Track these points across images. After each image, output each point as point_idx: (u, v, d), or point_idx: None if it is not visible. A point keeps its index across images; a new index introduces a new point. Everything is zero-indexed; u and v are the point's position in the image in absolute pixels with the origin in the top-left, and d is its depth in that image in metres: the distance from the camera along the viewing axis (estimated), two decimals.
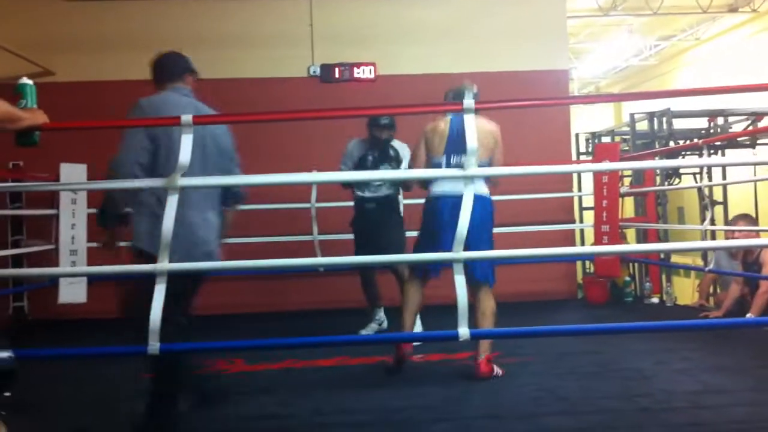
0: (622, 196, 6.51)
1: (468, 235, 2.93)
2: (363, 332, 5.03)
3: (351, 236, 5.12)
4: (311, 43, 6.80)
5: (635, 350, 4.29)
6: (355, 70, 6.77)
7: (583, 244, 7.33)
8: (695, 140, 6.50)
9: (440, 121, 3.96)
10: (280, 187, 5.78)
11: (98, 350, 2.87)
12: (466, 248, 3.01)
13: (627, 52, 12.89)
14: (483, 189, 3.79)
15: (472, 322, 3.15)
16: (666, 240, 6.73)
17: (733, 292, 5.61)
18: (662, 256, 6.60)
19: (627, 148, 7.37)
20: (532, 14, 6.92)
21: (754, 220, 5.75)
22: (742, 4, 10.28)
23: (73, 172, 5.52)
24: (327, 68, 6.76)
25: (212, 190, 2.97)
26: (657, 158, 6.36)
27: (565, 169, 6.89)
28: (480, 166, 3.38)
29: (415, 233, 4.10)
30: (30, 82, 2.74)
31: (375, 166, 4.85)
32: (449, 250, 3.75)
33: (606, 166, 5.67)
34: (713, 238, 5.71)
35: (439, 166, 3.89)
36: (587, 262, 7.50)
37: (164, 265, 2.73)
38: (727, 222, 6.54)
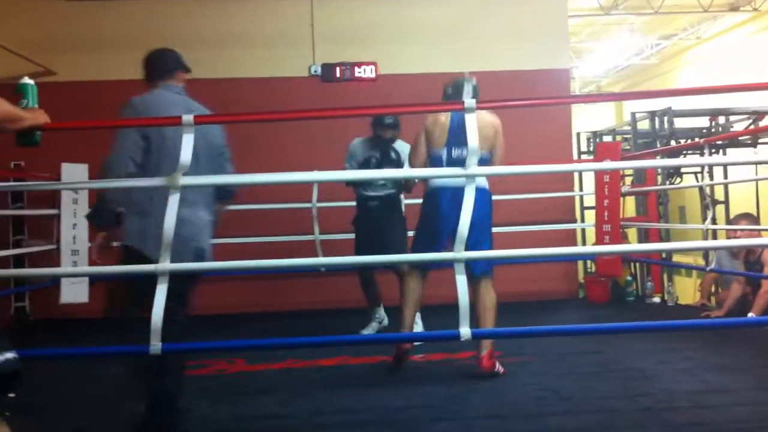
0: (624, 195, 6.51)
1: (468, 230, 2.92)
2: (364, 332, 5.03)
3: (352, 236, 5.12)
4: (312, 43, 6.79)
5: (637, 350, 4.29)
6: (356, 69, 6.76)
7: (584, 243, 7.33)
8: (696, 139, 6.50)
9: (440, 114, 3.97)
10: (282, 187, 5.79)
11: (99, 350, 2.87)
12: (466, 244, 2.99)
13: (628, 51, 12.89)
14: (482, 181, 3.79)
15: (474, 322, 3.15)
16: (667, 239, 6.73)
17: (734, 292, 5.61)
18: (664, 255, 6.60)
19: (628, 147, 7.37)
20: (533, 13, 6.91)
21: (756, 220, 5.75)
22: (743, 3, 10.27)
23: (75, 172, 5.53)
24: (328, 68, 6.76)
25: (204, 188, 2.94)
26: (658, 157, 6.35)
27: (566, 168, 6.88)
28: (481, 158, 3.37)
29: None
30: (31, 82, 2.74)
31: (377, 169, 4.85)
32: (447, 242, 3.82)
33: (607, 165, 5.67)
34: (715, 237, 5.70)
35: (439, 158, 3.90)
36: (588, 262, 7.49)
37: (165, 265, 2.73)
38: (728, 221, 6.53)
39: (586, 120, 12.69)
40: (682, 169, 7.03)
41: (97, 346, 3.20)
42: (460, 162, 3.76)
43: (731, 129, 7.14)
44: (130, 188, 2.83)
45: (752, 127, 6.88)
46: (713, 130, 7.10)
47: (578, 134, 8.15)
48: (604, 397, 3.41)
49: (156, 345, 2.69)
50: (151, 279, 2.80)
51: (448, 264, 3.00)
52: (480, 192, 3.55)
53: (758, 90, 3.47)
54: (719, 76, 10.59)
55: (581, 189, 7.52)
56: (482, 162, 3.40)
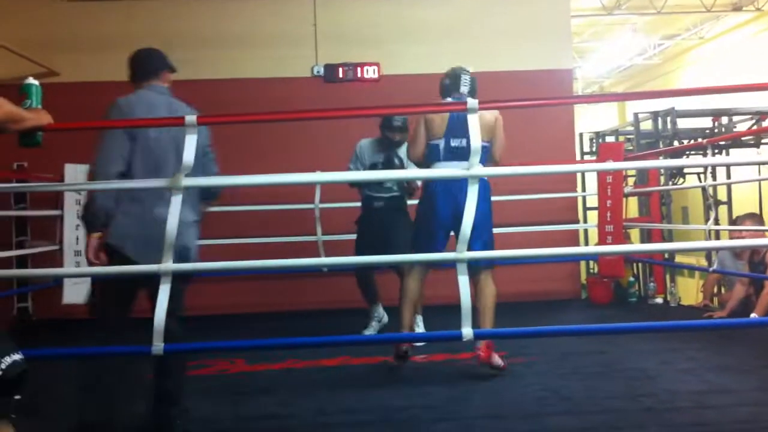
0: (626, 195, 6.49)
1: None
2: (366, 332, 5.03)
3: (355, 236, 5.12)
4: (315, 43, 6.80)
5: (639, 350, 4.28)
6: (359, 70, 6.77)
7: (586, 244, 7.32)
8: (699, 140, 6.49)
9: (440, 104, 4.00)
10: (284, 188, 5.78)
11: (101, 350, 2.87)
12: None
13: (631, 51, 12.87)
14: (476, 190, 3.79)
15: (476, 321, 3.15)
16: (670, 240, 6.71)
17: (737, 293, 5.59)
18: (666, 256, 6.58)
19: (631, 147, 7.35)
20: (536, 13, 6.91)
21: (762, 220, 5.72)
22: (746, 2, 10.25)
23: (77, 173, 5.54)
24: (331, 68, 6.76)
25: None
26: (661, 158, 6.34)
27: (569, 168, 6.87)
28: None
29: None
30: (36, 82, 2.74)
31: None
32: (445, 236, 3.82)
33: (610, 165, 5.66)
34: (717, 238, 5.69)
35: (437, 148, 3.91)
36: (591, 262, 7.49)
37: (168, 265, 2.73)
38: (731, 222, 6.52)
39: (589, 120, 12.68)
40: (685, 170, 7.02)
41: (99, 347, 3.19)
42: (459, 152, 3.78)
43: (734, 129, 7.12)
44: (117, 188, 2.84)
45: (755, 127, 6.86)
46: (716, 130, 7.08)
47: (581, 135, 8.14)
48: (607, 397, 3.40)
49: (158, 345, 2.69)
50: (129, 279, 2.82)
51: (448, 270, 2.99)
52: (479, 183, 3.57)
53: (761, 90, 3.46)
54: (722, 76, 10.58)
55: (584, 189, 7.51)
56: (483, 150, 3.39)
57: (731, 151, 7.09)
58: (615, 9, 10.19)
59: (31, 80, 2.74)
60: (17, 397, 1.73)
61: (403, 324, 4.01)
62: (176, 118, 2.81)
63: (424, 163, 4.04)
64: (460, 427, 3.03)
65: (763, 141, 7.01)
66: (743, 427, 2.95)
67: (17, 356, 1.73)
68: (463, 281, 2.86)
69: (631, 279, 6.71)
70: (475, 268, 3.69)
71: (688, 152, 6.71)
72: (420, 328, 4.74)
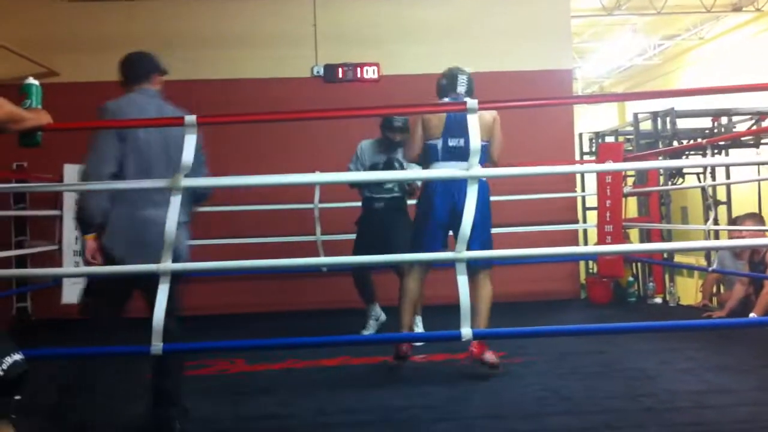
0: (626, 196, 6.50)
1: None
2: (365, 332, 5.03)
3: (354, 236, 5.12)
4: (315, 44, 6.80)
5: (639, 350, 4.28)
6: (359, 70, 6.77)
7: (586, 244, 7.32)
8: (699, 140, 6.49)
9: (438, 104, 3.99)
10: (283, 188, 5.78)
11: (100, 350, 2.88)
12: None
13: (631, 52, 12.88)
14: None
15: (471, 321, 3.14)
16: (669, 240, 6.72)
17: (737, 293, 5.60)
18: (665, 256, 6.59)
19: (630, 147, 7.35)
20: (536, 14, 6.91)
21: (762, 219, 5.72)
22: (746, 3, 10.26)
23: (77, 173, 5.52)
24: (330, 68, 6.76)
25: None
26: (660, 158, 6.35)
27: (568, 169, 6.89)
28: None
29: None
30: (36, 82, 2.74)
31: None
32: (444, 229, 3.83)
33: (609, 166, 5.66)
34: (717, 237, 5.69)
35: (435, 147, 3.91)
36: (590, 262, 7.49)
37: (166, 265, 2.73)
38: (730, 222, 6.52)
39: (589, 120, 12.69)
40: (685, 170, 7.02)
41: (98, 347, 3.20)
42: (457, 152, 3.79)
43: (734, 129, 7.13)
44: (113, 189, 2.85)
45: (755, 127, 6.86)
46: (716, 130, 7.09)
47: (580, 135, 8.14)
48: (606, 397, 3.40)
49: (157, 345, 2.69)
50: (123, 279, 2.83)
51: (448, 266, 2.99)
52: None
53: (761, 90, 3.47)
54: (722, 76, 10.58)
55: (583, 189, 7.51)
56: (481, 149, 3.39)
57: (731, 151, 7.10)
58: (615, 9, 10.20)
59: (31, 80, 2.74)
60: (17, 397, 1.73)
61: (402, 324, 4.01)
62: (176, 118, 2.82)
63: (422, 163, 4.04)
64: (460, 427, 3.03)
65: (762, 141, 7.02)
66: (742, 427, 2.96)
67: (18, 356, 1.73)
68: (462, 281, 2.86)
69: (631, 279, 6.71)
70: (473, 268, 3.68)
71: (687, 152, 6.72)
72: (419, 328, 4.74)
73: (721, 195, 7.14)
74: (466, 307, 2.83)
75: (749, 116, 6.99)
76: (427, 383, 3.71)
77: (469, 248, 2.94)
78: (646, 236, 6.87)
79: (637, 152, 6.80)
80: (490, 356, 3.77)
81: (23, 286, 6.17)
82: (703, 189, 6.41)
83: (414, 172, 4.35)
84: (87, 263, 2.88)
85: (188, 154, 2.72)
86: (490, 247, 3.85)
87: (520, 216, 6.38)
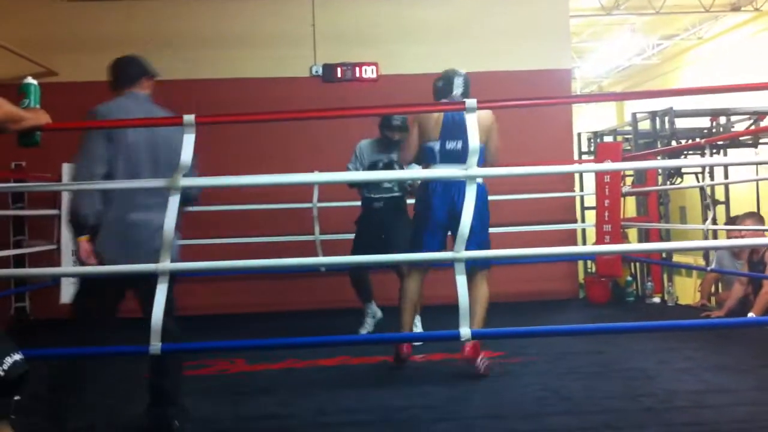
0: (624, 195, 6.50)
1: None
2: (362, 331, 5.04)
3: (353, 235, 5.12)
4: (313, 43, 6.80)
5: (637, 350, 4.29)
6: (358, 69, 6.76)
7: (584, 243, 7.33)
8: (697, 140, 6.50)
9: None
10: (282, 187, 5.78)
11: (99, 350, 2.88)
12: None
13: (629, 51, 12.89)
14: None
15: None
16: (668, 239, 6.72)
17: (736, 292, 5.60)
18: (664, 255, 6.60)
19: (629, 147, 7.37)
20: (535, 13, 6.91)
21: (762, 219, 5.73)
22: (745, 3, 10.27)
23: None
24: (329, 68, 6.76)
25: (159, 191, 2.90)
26: (659, 158, 6.35)
27: (567, 168, 6.88)
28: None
29: None
30: (34, 82, 2.74)
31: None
32: (443, 230, 3.82)
33: (608, 165, 5.67)
34: (715, 237, 5.70)
35: (432, 150, 3.90)
36: (589, 262, 7.49)
37: (165, 265, 2.74)
38: (728, 221, 6.53)
39: (587, 120, 12.70)
40: (683, 170, 7.03)
41: (97, 346, 3.19)
42: (454, 154, 3.78)
43: (732, 129, 7.14)
44: (108, 189, 2.86)
45: (753, 127, 6.88)
46: (714, 130, 7.10)
47: (579, 134, 8.15)
48: (606, 396, 3.40)
49: (156, 345, 2.69)
50: (116, 280, 2.86)
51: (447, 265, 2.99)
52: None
53: (759, 90, 3.47)
54: (720, 76, 10.59)
55: (582, 189, 7.51)
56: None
57: (729, 151, 7.11)
58: (614, 9, 10.21)
59: (30, 80, 2.74)
60: (17, 398, 1.72)
61: (403, 324, 4.01)
62: (175, 117, 2.81)
63: (419, 165, 4.03)
64: (459, 427, 3.04)
65: (760, 141, 7.03)
66: (741, 427, 2.96)
67: (17, 356, 1.73)
68: (461, 281, 2.86)
69: (629, 278, 6.71)
70: (470, 268, 3.68)
71: (686, 152, 6.72)
72: (418, 328, 4.74)
73: (720, 195, 7.15)
74: (465, 307, 2.84)
75: (747, 116, 7.00)
76: (426, 383, 3.71)
77: (466, 250, 2.94)
78: (645, 236, 6.87)
79: (635, 152, 6.81)
80: (482, 363, 3.74)
81: (22, 286, 6.17)
82: (702, 189, 6.41)
83: (413, 172, 4.35)
84: (82, 265, 2.89)
85: (187, 155, 2.72)
86: (488, 248, 3.85)
87: (518, 215, 6.38)
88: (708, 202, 6.12)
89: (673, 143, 6.80)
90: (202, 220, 5.99)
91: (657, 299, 6.48)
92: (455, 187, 3.72)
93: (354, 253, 4.95)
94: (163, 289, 2.72)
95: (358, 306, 5.24)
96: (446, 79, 4.01)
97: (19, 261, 5.99)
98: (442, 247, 3.86)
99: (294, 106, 6.11)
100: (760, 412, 3.12)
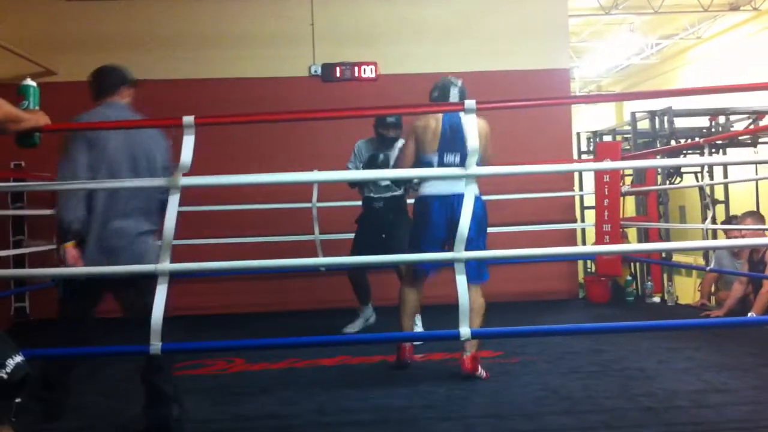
0: (624, 195, 6.51)
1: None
2: (348, 329, 5.06)
3: (353, 235, 5.12)
4: (312, 43, 6.79)
5: (637, 349, 4.29)
6: (356, 69, 6.76)
7: (584, 243, 7.33)
8: (697, 139, 6.51)
9: (431, 117, 3.87)
10: (282, 186, 5.78)
11: (99, 350, 2.88)
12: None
13: (628, 51, 12.90)
14: (476, 188, 3.76)
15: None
16: (667, 239, 6.73)
17: (735, 292, 5.61)
18: (663, 255, 6.60)
19: (628, 147, 7.37)
20: (534, 13, 6.91)
21: (762, 218, 5.74)
22: (743, 2, 10.28)
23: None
24: (328, 67, 6.76)
25: (138, 197, 2.95)
26: (658, 157, 6.36)
27: (566, 168, 6.89)
28: None
29: None
30: (33, 83, 2.75)
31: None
32: (440, 243, 3.78)
33: (607, 165, 5.67)
34: (715, 237, 5.71)
35: (430, 164, 3.83)
36: (589, 262, 7.50)
37: (165, 265, 2.74)
38: (725, 220, 6.54)
39: (587, 119, 12.72)
40: (682, 169, 7.04)
41: (97, 346, 3.20)
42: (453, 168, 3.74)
43: (731, 129, 7.15)
44: (81, 199, 2.88)
45: (752, 126, 6.88)
46: (713, 129, 7.10)
47: (578, 134, 8.15)
48: (605, 396, 3.41)
49: (156, 345, 2.69)
50: (89, 282, 2.91)
51: (444, 265, 2.99)
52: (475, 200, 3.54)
53: (758, 90, 3.47)
54: (719, 75, 10.61)
55: (581, 189, 7.52)
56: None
57: (728, 150, 7.12)
58: (612, 9, 10.21)
59: (29, 81, 2.74)
60: (18, 400, 1.72)
61: (402, 329, 3.99)
62: (174, 119, 2.81)
63: (414, 183, 3.98)
64: (459, 426, 3.04)
65: (760, 140, 7.03)
66: (741, 426, 2.97)
67: (19, 358, 1.73)
68: (461, 281, 2.86)
69: (629, 278, 6.72)
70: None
71: (685, 151, 6.73)
72: (418, 327, 4.74)
73: (719, 194, 7.16)
74: (465, 307, 2.84)
75: (746, 115, 7.01)
76: (426, 383, 3.71)
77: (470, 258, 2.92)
78: (644, 235, 6.88)
79: (634, 151, 6.81)
80: (481, 372, 3.74)
81: (21, 286, 6.16)
82: (701, 188, 6.42)
83: (412, 171, 4.33)
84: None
85: (186, 155, 2.71)
86: (484, 263, 3.81)
87: (518, 215, 6.39)
88: (707, 201, 6.12)
89: (673, 142, 6.81)
90: (202, 220, 5.99)
91: (657, 299, 6.49)
92: (454, 199, 3.66)
93: (354, 252, 4.95)
94: (163, 289, 2.72)
95: (357, 306, 5.25)
96: (442, 89, 3.93)
97: (18, 261, 5.99)
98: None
99: (293, 106, 6.11)
100: (760, 412, 3.12)
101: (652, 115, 6.92)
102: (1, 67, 6.13)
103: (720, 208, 6.92)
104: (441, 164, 3.82)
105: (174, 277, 2.78)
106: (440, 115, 3.85)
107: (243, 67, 6.63)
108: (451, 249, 3.03)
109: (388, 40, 6.80)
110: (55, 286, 5.74)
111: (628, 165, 6.93)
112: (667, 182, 6.84)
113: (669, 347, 4.32)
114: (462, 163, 3.41)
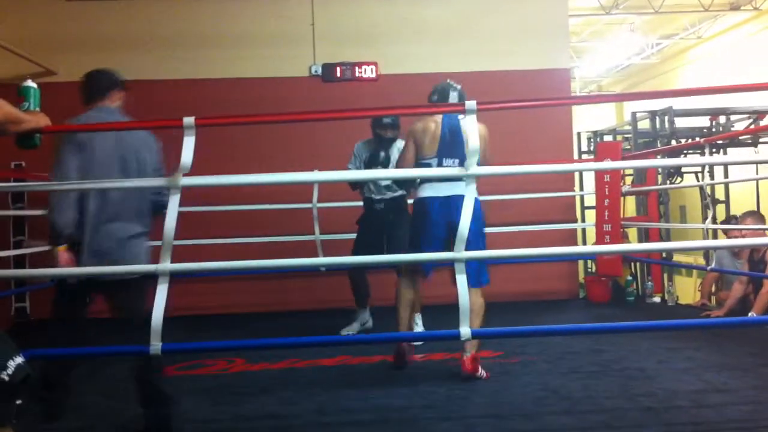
0: (624, 195, 6.51)
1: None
2: (345, 331, 5.06)
3: (353, 235, 5.13)
4: (313, 43, 6.80)
5: (637, 349, 4.29)
6: (357, 69, 6.76)
7: (584, 243, 7.33)
8: (697, 139, 6.50)
9: (430, 120, 3.87)
10: (282, 186, 5.78)
11: (99, 350, 2.88)
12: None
13: (629, 51, 12.89)
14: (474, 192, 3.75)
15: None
16: (668, 239, 6.73)
17: (736, 292, 5.60)
18: (664, 255, 6.60)
19: (629, 146, 7.37)
20: (534, 13, 6.91)
21: (763, 218, 5.74)
22: (744, 2, 10.27)
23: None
24: (328, 68, 6.76)
25: (130, 199, 2.95)
26: (659, 157, 6.36)
27: (566, 168, 6.89)
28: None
29: None
30: (34, 85, 2.75)
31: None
32: (435, 249, 3.76)
33: (608, 165, 5.67)
34: (715, 236, 5.70)
35: (429, 167, 3.82)
36: (589, 262, 7.49)
37: (165, 265, 2.74)
38: (725, 219, 6.54)
39: (587, 119, 12.69)
40: (683, 169, 7.04)
41: (97, 347, 3.20)
42: None
43: (732, 128, 7.15)
44: (72, 203, 2.88)
45: (753, 126, 6.88)
46: (714, 129, 7.10)
47: (579, 134, 8.15)
48: (606, 396, 3.41)
49: (156, 345, 2.69)
50: (87, 282, 2.90)
51: (441, 265, 2.98)
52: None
53: (759, 90, 3.47)
54: (720, 75, 10.60)
55: (582, 189, 7.52)
56: None
57: (729, 150, 7.11)
58: (613, 8, 10.21)
59: (30, 83, 2.75)
60: (18, 401, 1.72)
61: (400, 325, 4.00)
62: (174, 119, 2.81)
63: (415, 183, 3.97)
64: (459, 426, 3.04)
65: (760, 140, 7.03)
66: (741, 426, 2.97)
67: (20, 360, 1.73)
68: (461, 280, 2.86)
69: (629, 278, 6.72)
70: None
71: (685, 151, 6.73)
72: (419, 327, 4.75)
73: (720, 194, 7.16)
74: (465, 307, 2.84)
75: (747, 115, 7.01)
76: (427, 383, 3.71)
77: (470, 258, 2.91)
78: (645, 235, 6.88)
79: (635, 151, 6.81)
80: (482, 372, 3.74)
81: (22, 287, 6.17)
82: (702, 188, 6.42)
83: (412, 171, 4.33)
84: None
85: (186, 156, 2.72)
86: (483, 266, 3.80)
87: (518, 215, 6.38)
88: (708, 201, 6.12)
89: (673, 142, 6.81)
90: (202, 220, 5.99)
91: (657, 299, 6.49)
92: (453, 202, 3.65)
93: (355, 252, 4.96)
94: (163, 289, 2.72)
95: (355, 308, 5.26)
96: (441, 92, 3.92)
97: (19, 261, 5.99)
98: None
99: (293, 106, 6.12)
100: (760, 412, 3.12)
101: (652, 114, 6.92)
102: (1, 67, 6.14)
103: (720, 208, 6.92)
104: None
105: (174, 277, 2.78)
106: (440, 119, 3.84)
107: (243, 67, 6.63)
108: (451, 249, 3.03)
109: (388, 40, 6.80)
110: (55, 286, 5.77)
111: (629, 165, 6.93)
112: (668, 182, 6.84)
113: (669, 347, 4.32)
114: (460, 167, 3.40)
